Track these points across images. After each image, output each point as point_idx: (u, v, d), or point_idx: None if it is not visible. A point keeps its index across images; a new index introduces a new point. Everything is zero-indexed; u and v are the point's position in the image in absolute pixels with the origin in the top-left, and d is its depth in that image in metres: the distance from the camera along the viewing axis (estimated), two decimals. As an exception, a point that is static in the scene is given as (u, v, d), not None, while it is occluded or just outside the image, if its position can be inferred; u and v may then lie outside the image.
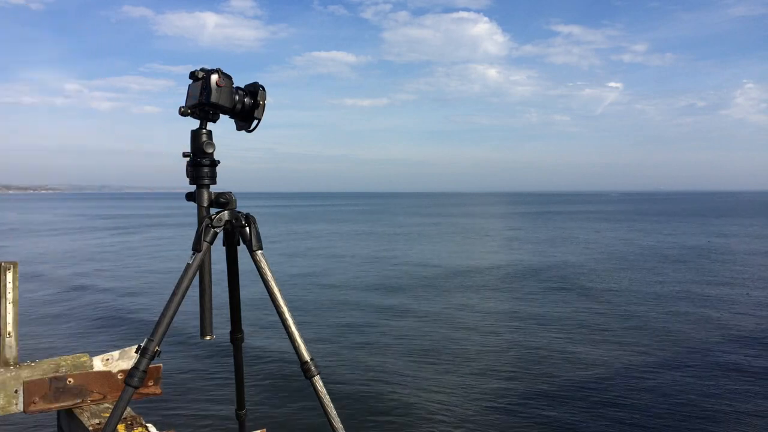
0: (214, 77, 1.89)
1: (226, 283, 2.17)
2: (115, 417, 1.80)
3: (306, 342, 2.01)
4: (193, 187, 1.97)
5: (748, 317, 11.84)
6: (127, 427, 2.47)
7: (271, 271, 2.00)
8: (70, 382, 2.71)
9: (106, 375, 2.82)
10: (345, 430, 2.00)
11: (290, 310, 2.00)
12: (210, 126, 1.97)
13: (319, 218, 56.78)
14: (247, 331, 2.29)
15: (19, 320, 2.92)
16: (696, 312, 12.35)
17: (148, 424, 2.52)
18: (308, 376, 1.99)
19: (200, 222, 1.95)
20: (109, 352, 2.90)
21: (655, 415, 6.70)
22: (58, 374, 2.74)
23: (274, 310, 1.99)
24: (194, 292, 1.97)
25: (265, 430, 2.86)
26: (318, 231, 38.44)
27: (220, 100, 1.90)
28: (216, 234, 1.96)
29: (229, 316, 2.23)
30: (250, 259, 2.02)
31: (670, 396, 7.30)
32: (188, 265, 1.89)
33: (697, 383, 7.77)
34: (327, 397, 1.99)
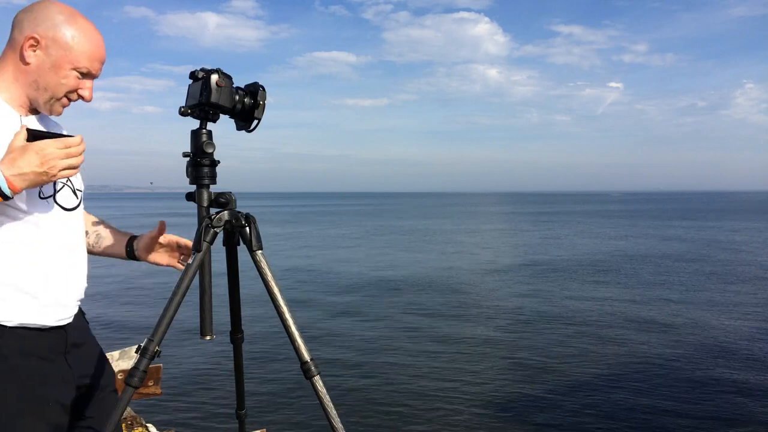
0: (214, 77, 1.89)
1: (226, 283, 2.17)
2: (115, 417, 1.80)
3: (306, 342, 2.01)
4: (193, 187, 1.97)
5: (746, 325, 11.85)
6: (127, 427, 2.48)
7: (272, 271, 2.01)
8: (70, 382, 2.69)
9: (106, 375, 2.80)
10: (345, 430, 2.00)
11: (290, 310, 2.00)
12: (210, 126, 1.97)
13: (319, 218, 56.77)
14: (247, 331, 2.29)
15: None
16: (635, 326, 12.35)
17: (148, 424, 2.52)
18: (308, 376, 1.99)
19: (200, 222, 1.95)
20: (109, 352, 2.89)
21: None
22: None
23: (274, 310, 1.99)
24: (194, 292, 1.97)
25: (265, 430, 2.87)
26: (317, 231, 38.46)
27: (220, 100, 1.91)
28: (216, 234, 1.96)
29: (229, 316, 2.23)
30: (250, 259, 2.02)
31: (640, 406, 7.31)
32: (188, 266, 1.89)
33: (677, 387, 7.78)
34: (327, 397, 1.99)
